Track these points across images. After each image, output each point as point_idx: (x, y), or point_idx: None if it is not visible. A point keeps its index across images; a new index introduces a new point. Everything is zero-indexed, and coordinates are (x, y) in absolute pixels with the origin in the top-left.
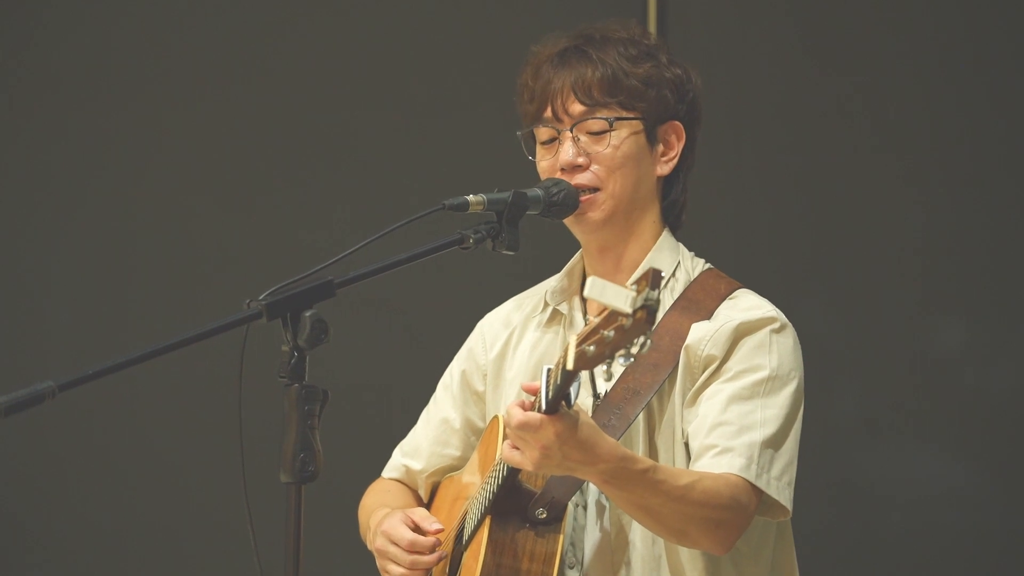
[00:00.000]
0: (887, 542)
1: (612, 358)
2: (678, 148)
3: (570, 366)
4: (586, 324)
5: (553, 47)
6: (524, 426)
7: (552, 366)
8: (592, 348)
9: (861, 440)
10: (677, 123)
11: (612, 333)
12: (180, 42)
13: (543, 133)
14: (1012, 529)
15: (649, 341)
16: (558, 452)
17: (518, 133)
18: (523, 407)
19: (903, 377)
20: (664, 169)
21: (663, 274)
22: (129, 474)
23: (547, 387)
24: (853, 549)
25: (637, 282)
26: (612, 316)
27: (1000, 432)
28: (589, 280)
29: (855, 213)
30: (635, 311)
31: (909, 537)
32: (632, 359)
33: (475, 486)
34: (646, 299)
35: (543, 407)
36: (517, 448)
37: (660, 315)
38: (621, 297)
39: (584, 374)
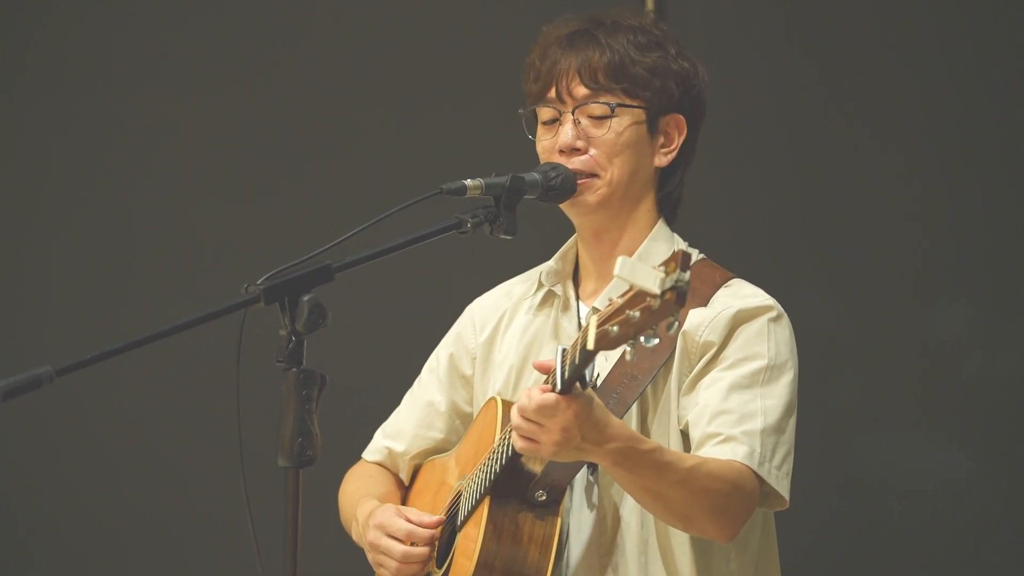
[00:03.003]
0: (889, 531)
1: (635, 339)
2: (678, 141)
3: (591, 346)
4: (583, 307)
5: (563, 28)
6: (542, 407)
7: (567, 346)
8: (616, 328)
9: (862, 429)
10: (680, 116)
11: (638, 314)
12: (180, 35)
13: (545, 113)
14: (1014, 518)
15: (677, 323)
16: (577, 433)
17: (520, 111)
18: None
19: (905, 366)
20: (663, 160)
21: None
22: (127, 458)
23: (563, 367)
24: (854, 538)
25: (666, 263)
26: (638, 297)
27: (1002, 421)
28: (619, 259)
29: (855, 202)
30: (664, 292)
31: (911, 526)
32: (657, 340)
33: (466, 470)
34: (676, 281)
35: (558, 387)
36: (529, 438)
37: None
38: (651, 278)
39: None
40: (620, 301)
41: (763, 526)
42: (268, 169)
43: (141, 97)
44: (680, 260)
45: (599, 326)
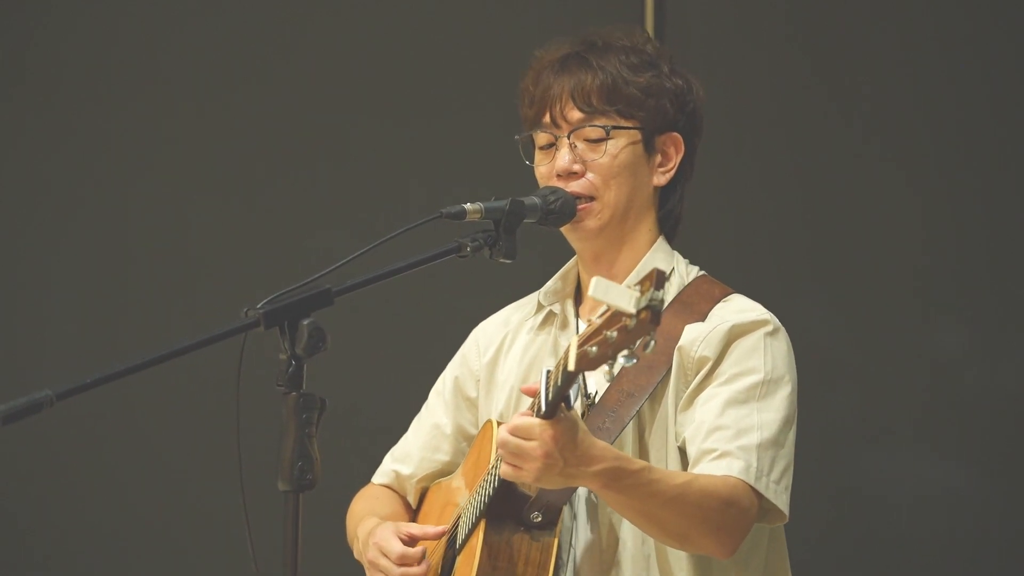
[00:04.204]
0: (887, 545)
1: (615, 359)
2: (676, 159)
3: (571, 367)
4: (582, 325)
5: (555, 53)
6: (518, 429)
7: (551, 368)
8: (595, 349)
9: (862, 443)
10: (676, 134)
11: (615, 334)
12: (180, 47)
13: (541, 138)
14: (1013, 532)
15: (653, 342)
16: (559, 458)
17: (516, 137)
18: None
19: (904, 380)
20: (661, 180)
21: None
22: (128, 482)
23: (547, 389)
24: (853, 552)
25: (640, 282)
26: (615, 317)
27: (1001, 435)
28: (593, 280)
29: (855, 216)
30: (639, 311)
31: (909, 540)
32: (635, 359)
33: (465, 491)
34: (650, 299)
35: (543, 409)
36: (513, 464)
37: None
38: (625, 297)
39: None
40: (598, 322)
41: (769, 543)
42: (269, 187)
43: (140, 105)
44: (655, 279)
45: (579, 347)
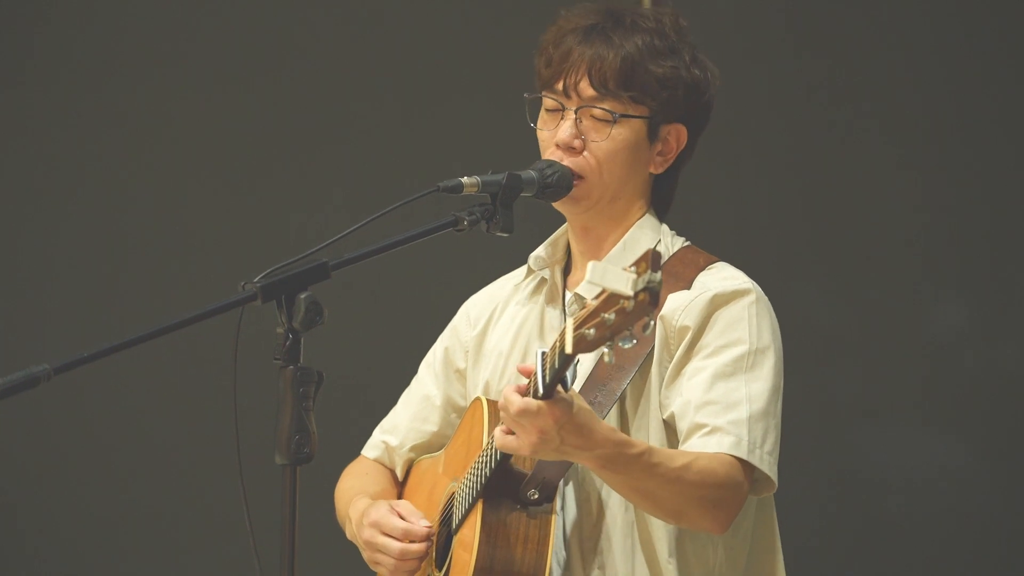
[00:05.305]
0: (886, 525)
1: (613, 341)
2: (676, 151)
3: (569, 350)
4: (568, 296)
5: (582, 18)
6: (523, 412)
7: (547, 349)
8: (592, 331)
9: (860, 423)
10: (681, 126)
11: (613, 316)
12: (176, 29)
13: (549, 102)
14: (1012, 510)
15: (653, 323)
16: (556, 437)
17: (526, 96)
18: (520, 392)
19: (903, 360)
20: (658, 168)
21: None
22: (124, 455)
23: (543, 371)
24: (852, 532)
25: (636, 264)
26: (612, 299)
27: (1000, 414)
28: (590, 265)
29: (854, 196)
30: (637, 293)
31: (908, 519)
32: (634, 341)
33: (458, 470)
34: (648, 281)
35: (540, 391)
36: (512, 433)
37: None
38: (622, 280)
39: None
40: (595, 304)
41: (757, 512)
42: (266, 162)
43: (138, 94)
44: (651, 260)
45: (575, 329)
